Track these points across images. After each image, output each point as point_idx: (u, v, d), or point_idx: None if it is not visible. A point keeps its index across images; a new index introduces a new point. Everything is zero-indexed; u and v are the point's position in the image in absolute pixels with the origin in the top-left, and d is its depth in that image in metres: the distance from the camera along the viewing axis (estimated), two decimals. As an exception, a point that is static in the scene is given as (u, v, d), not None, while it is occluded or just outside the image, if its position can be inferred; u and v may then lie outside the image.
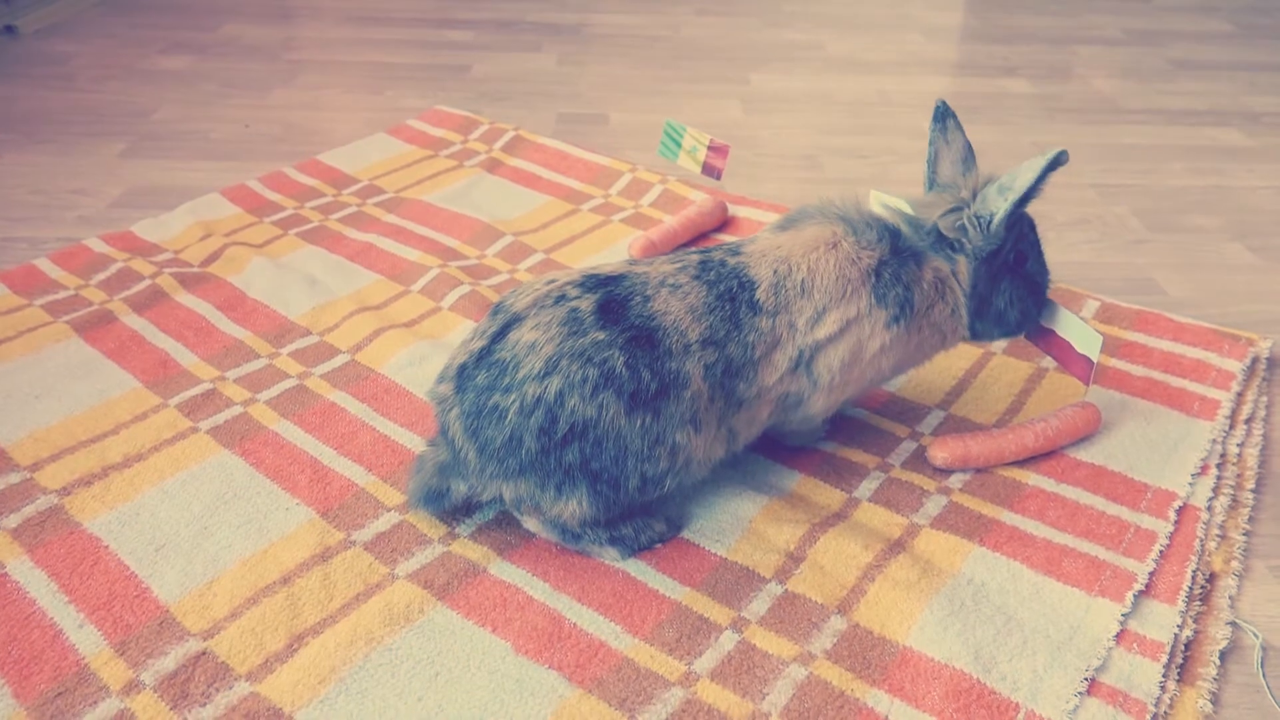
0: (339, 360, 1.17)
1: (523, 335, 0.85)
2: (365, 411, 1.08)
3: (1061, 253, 1.47)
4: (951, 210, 0.94)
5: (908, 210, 0.97)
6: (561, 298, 0.87)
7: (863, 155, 1.80)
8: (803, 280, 0.91)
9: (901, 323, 0.93)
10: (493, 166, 1.69)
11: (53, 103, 1.94)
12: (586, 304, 0.86)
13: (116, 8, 2.59)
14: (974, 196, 0.93)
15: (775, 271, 0.91)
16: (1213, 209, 1.62)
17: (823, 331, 0.91)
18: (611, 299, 0.87)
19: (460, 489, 0.89)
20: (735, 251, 0.94)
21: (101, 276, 1.31)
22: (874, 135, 1.89)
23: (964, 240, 0.94)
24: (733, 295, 0.90)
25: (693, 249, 0.98)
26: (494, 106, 1.98)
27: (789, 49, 2.40)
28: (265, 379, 1.13)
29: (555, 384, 0.82)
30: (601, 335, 0.84)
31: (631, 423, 0.84)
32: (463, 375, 0.87)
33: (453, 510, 0.94)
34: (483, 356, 0.86)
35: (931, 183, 0.98)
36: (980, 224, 0.93)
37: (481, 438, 0.84)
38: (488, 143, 1.77)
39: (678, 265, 0.92)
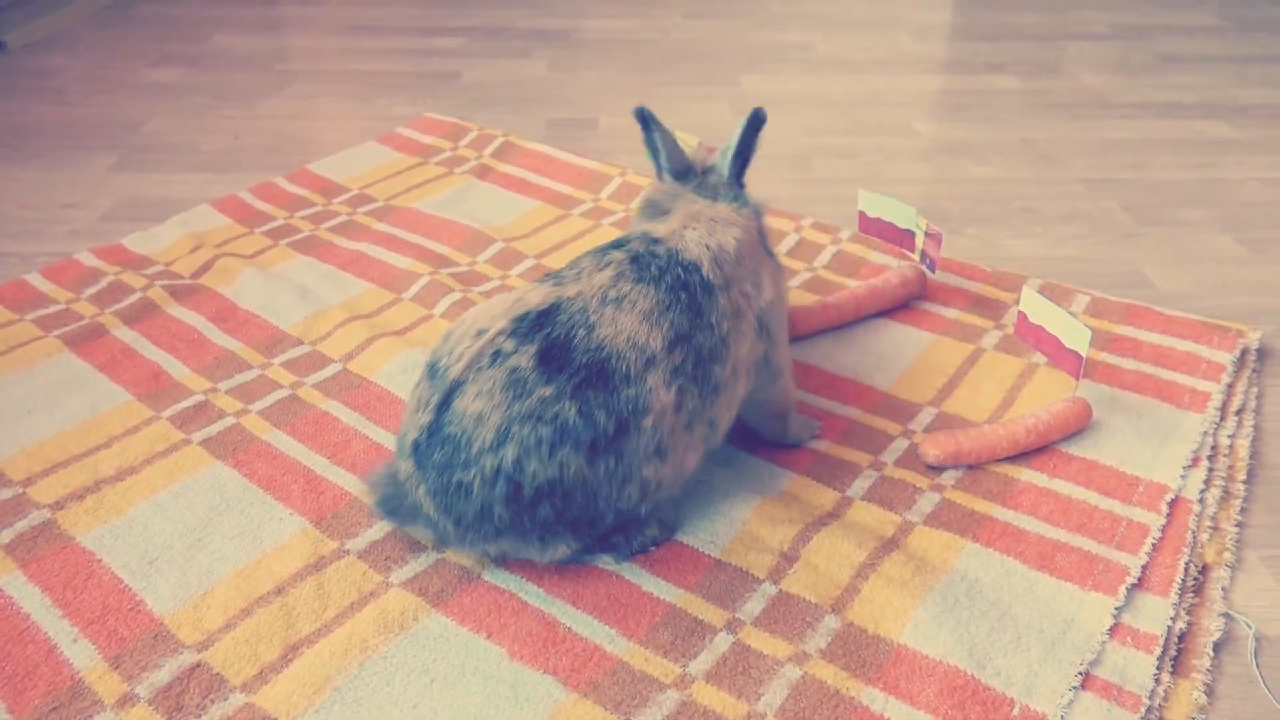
0: (331, 369, 1.17)
1: (467, 406, 0.82)
2: (358, 420, 1.08)
3: (1051, 247, 1.48)
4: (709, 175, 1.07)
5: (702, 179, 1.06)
6: (497, 354, 0.83)
7: (852, 155, 1.80)
8: (734, 251, 0.96)
9: (776, 259, 1.05)
10: (483, 173, 1.69)
11: (43, 117, 1.95)
12: (525, 359, 0.82)
13: (106, 21, 2.59)
14: (712, 168, 1.07)
15: (706, 248, 0.94)
16: (1202, 202, 1.62)
17: (766, 294, 0.97)
18: (551, 345, 0.83)
19: (424, 534, 0.90)
20: (653, 240, 0.94)
21: (92, 290, 1.31)
22: (864, 135, 1.90)
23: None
24: (684, 283, 0.90)
25: (600, 249, 0.95)
26: (484, 113, 1.98)
27: (778, 50, 2.41)
28: (257, 389, 1.13)
29: (510, 452, 0.80)
30: (548, 390, 0.81)
31: (595, 470, 0.83)
32: (419, 452, 0.85)
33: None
34: (434, 432, 0.83)
35: (660, 170, 1.09)
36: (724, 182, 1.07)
37: (455, 512, 0.84)
38: (477, 149, 1.77)
39: (611, 272, 0.89)
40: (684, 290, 0.89)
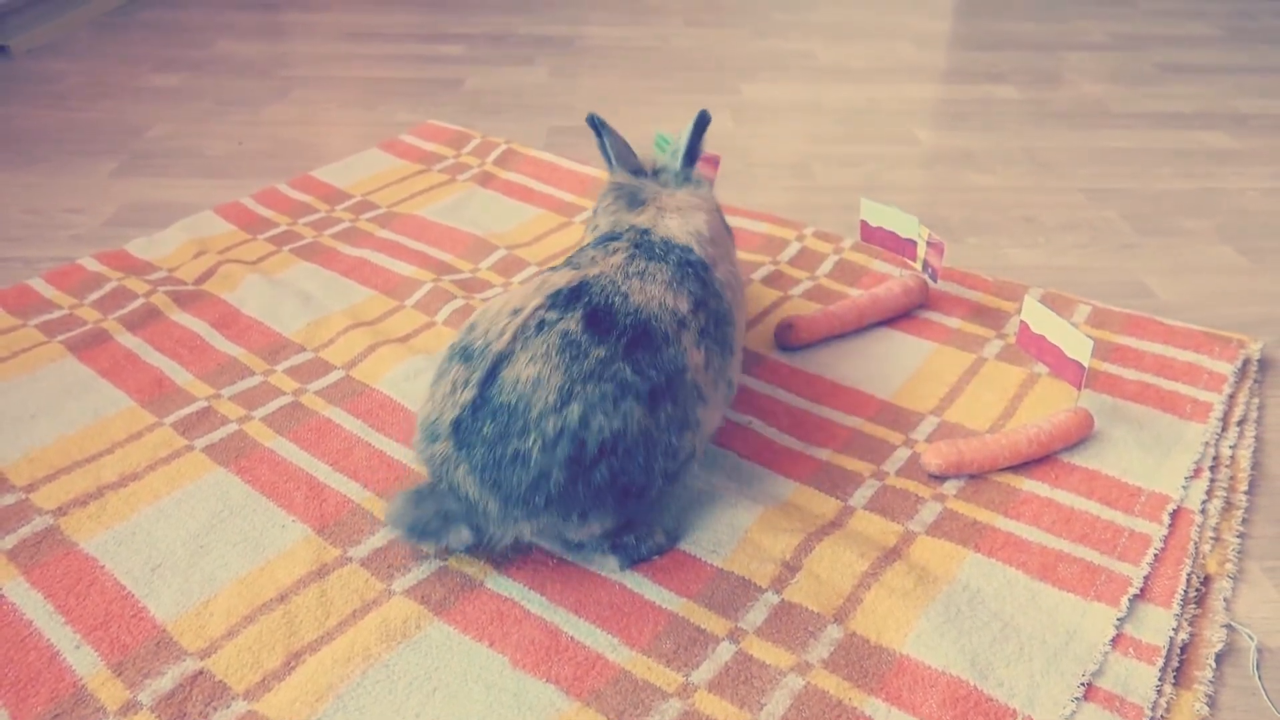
0: (334, 376, 1.17)
1: (519, 373, 0.83)
2: (360, 427, 1.09)
3: (1051, 257, 1.48)
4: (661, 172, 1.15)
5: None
6: (542, 324, 0.85)
7: (853, 163, 1.81)
8: (708, 233, 1.04)
9: (730, 232, 1.16)
10: (485, 180, 1.70)
11: (46, 122, 1.95)
12: (573, 324, 0.85)
13: (109, 27, 2.59)
14: (663, 168, 1.15)
15: (689, 233, 1.02)
16: (1202, 212, 1.63)
17: (737, 268, 1.09)
18: (594, 311, 0.87)
19: (464, 536, 0.86)
20: (642, 230, 1.01)
21: (96, 295, 1.31)
22: (864, 143, 1.90)
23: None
24: (688, 261, 0.98)
25: (597, 241, 1.00)
26: (486, 120, 1.99)
27: (779, 58, 2.41)
28: (260, 396, 1.13)
29: (576, 410, 0.82)
30: (601, 351, 0.84)
31: (656, 419, 0.85)
32: (461, 430, 0.84)
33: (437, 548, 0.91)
34: (480, 406, 0.83)
35: (614, 169, 1.16)
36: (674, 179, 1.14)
37: (504, 486, 0.82)
38: (480, 156, 1.78)
39: (623, 255, 0.95)
40: (689, 266, 0.97)
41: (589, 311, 0.86)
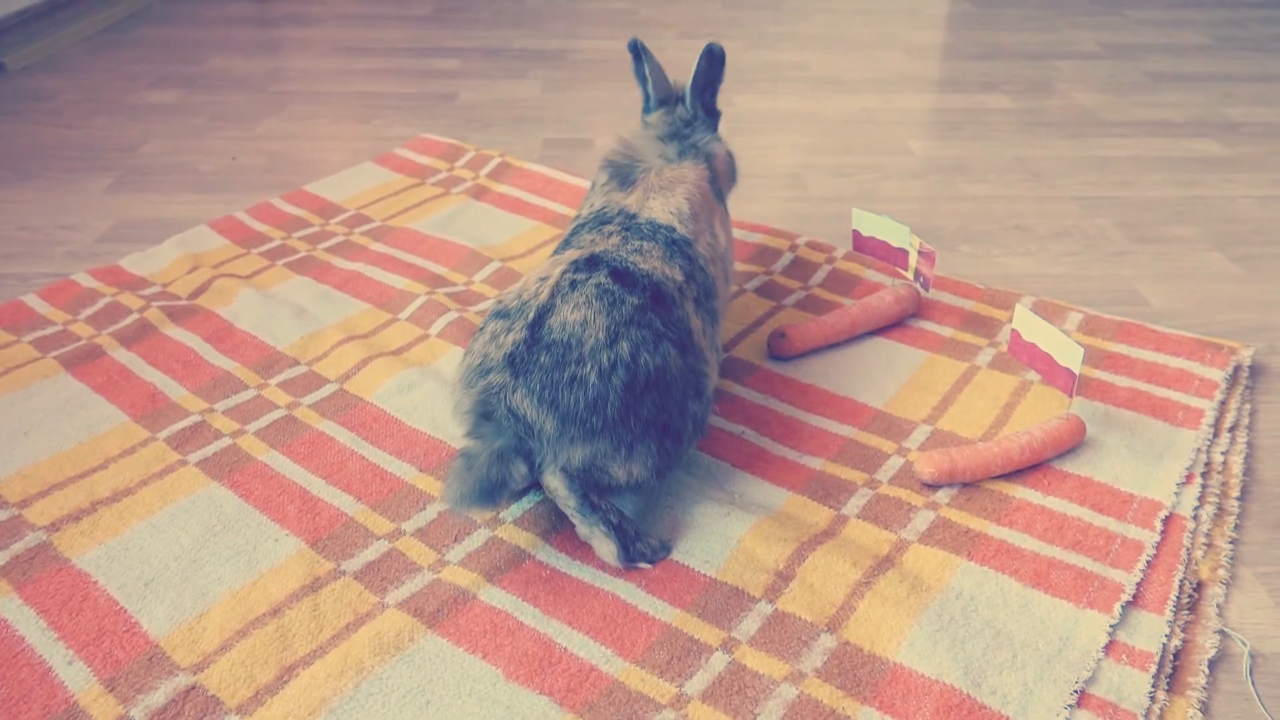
0: (327, 390, 1.17)
1: (566, 317, 0.90)
2: (354, 440, 1.09)
3: (1044, 265, 1.49)
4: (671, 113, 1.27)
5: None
6: (575, 282, 0.93)
7: (847, 174, 1.82)
8: (689, 210, 1.11)
9: (724, 204, 1.24)
10: (479, 193, 1.70)
11: (40, 139, 1.96)
12: (604, 278, 0.94)
13: (104, 43, 2.61)
14: (680, 98, 1.28)
15: (670, 213, 1.09)
16: (1193, 219, 1.64)
17: (722, 240, 1.15)
18: (618, 269, 0.95)
19: (521, 471, 0.87)
20: (629, 215, 1.08)
21: (89, 311, 1.32)
22: (858, 153, 1.91)
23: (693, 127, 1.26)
24: (673, 240, 1.05)
25: (589, 225, 1.09)
26: (480, 133, 1.99)
27: (772, 70, 2.43)
28: (254, 410, 1.13)
29: (625, 347, 0.89)
30: (635, 300, 0.93)
31: (686, 361, 0.94)
32: (516, 363, 0.89)
33: (508, 499, 0.97)
34: (533, 344, 0.89)
35: (648, 98, 1.30)
36: (688, 111, 1.27)
37: (563, 406, 0.87)
38: (474, 169, 1.78)
39: (618, 237, 1.04)
40: (674, 245, 1.05)
41: (612, 270, 0.95)
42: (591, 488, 0.91)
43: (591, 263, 0.96)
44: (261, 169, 1.82)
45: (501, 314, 0.94)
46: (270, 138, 1.98)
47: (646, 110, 1.31)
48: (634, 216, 1.08)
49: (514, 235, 1.56)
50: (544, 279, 0.95)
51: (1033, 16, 2.89)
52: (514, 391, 0.89)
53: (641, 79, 1.29)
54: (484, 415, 0.90)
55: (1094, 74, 2.38)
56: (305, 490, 1.01)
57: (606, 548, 0.90)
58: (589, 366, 0.88)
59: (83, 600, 0.88)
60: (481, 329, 0.96)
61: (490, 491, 0.86)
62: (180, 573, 0.91)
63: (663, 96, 1.28)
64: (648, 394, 0.89)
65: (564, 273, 0.95)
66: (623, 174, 1.16)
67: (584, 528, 0.90)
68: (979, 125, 2.06)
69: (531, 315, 0.91)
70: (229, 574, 0.91)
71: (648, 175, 1.15)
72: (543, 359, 0.88)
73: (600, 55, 2.53)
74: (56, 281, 1.39)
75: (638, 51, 1.26)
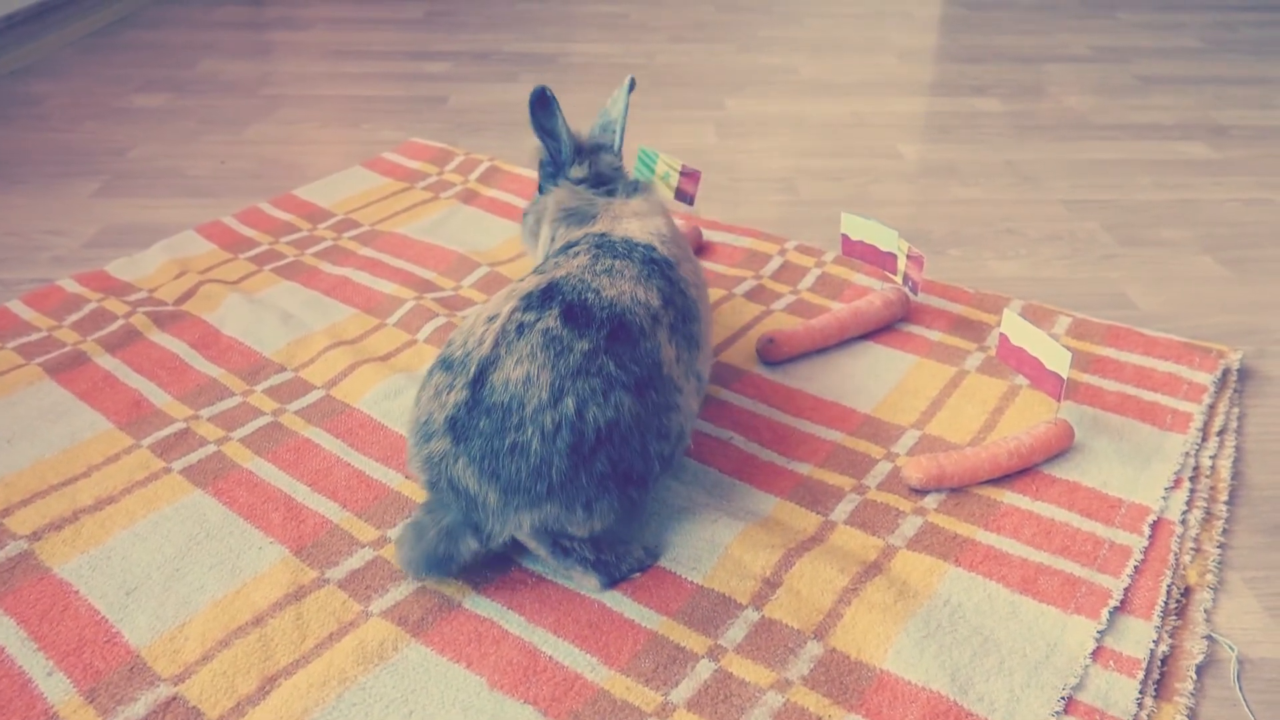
0: (314, 396, 1.16)
1: (509, 374, 0.84)
2: (340, 447, 1.08)
3: (1033, 268, 1.48)
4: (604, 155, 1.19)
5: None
6: (521, 326, 0.87)
7: (837, 177, 1.82)
8: (668, 232, 1.06)
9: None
10: (469, 198, 1.70)
11: (28, 143, 1.95)
12: (552, 320, 0.87)
13: (92, 47, 2.60)
14: (601, 145, 1.20)
15: (649, 234, 1.03)
16: (1182, 222, 1.64)
17: (698, 267, 1.10)
18: (570, 307, 0.88)
19: (470, 546, 0.85)
20: (600, 234, 1.02)
21: (75, 317, 1.31)
22: (848, 157, 1.91)
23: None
24: (653, 259, 0.99)
25: (557, 251, 1.03)
26: (471, 137, 1.99)
27: (763, 73, 2.43)
28: (239, 417, 1.13)
29: (570, 404, 0.83)
30: (585, 344, 0.86)
31: (645, 404, 0.88)
32: (457, 427, 0.84)
33: (459, 571, 0.90)
34: (474, 406, 0.84)
35: (559, 156, 1.18)
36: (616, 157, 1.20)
37: (504, 476, 0.83)
38: (464, 174, 1.78)
39: (587, 256, 0.97)
40: (653, 264, 0.98)
41: (565, 308, 0.88)
42: (560, 534, 0.88)
43: (546, 296, 0.89)
44: (250, 173, 1.82)
45: (446, 364, 0.88)
46: (259, 142, 1.97)
47: (556, 169, 1.17)
48: (606, 235, 1.02)
49: (503, 240, 1.55)
50: (492, 318, 0.89)
51: (1025, 19, 2.90)
52: (455, 461, 0.84)
53: (553, 135, 1.14)
54: (431, 484, 0.87)
55: (1085, 77, 2.38)
56: (290, 497, 1.01)
57: (588, 582, 0.90)
58: (529, 431, 0.82)
59: (64, 610, 0.87)
60: (429, 376, 0.90)
61: (439, 564, 0.86)
62: (162, 582, 0.90)
63: (577, 147, 1.16)
64: (600, 450, 0.84)
65: (512, 312, 0.88)
66: (580, 215, 1.09)
67: (561, 569, 0.90)
68: (969, 129, 2.06)
69: (473, 371, 0.85)
70: (212, 583, 0.90)
71: (611, 207, 1.09)
72: (483, 424, 0.83)
73: (591, 59, 2.52)
74: (42, 287, 1.38)
75: (548, 102, 1.11)
